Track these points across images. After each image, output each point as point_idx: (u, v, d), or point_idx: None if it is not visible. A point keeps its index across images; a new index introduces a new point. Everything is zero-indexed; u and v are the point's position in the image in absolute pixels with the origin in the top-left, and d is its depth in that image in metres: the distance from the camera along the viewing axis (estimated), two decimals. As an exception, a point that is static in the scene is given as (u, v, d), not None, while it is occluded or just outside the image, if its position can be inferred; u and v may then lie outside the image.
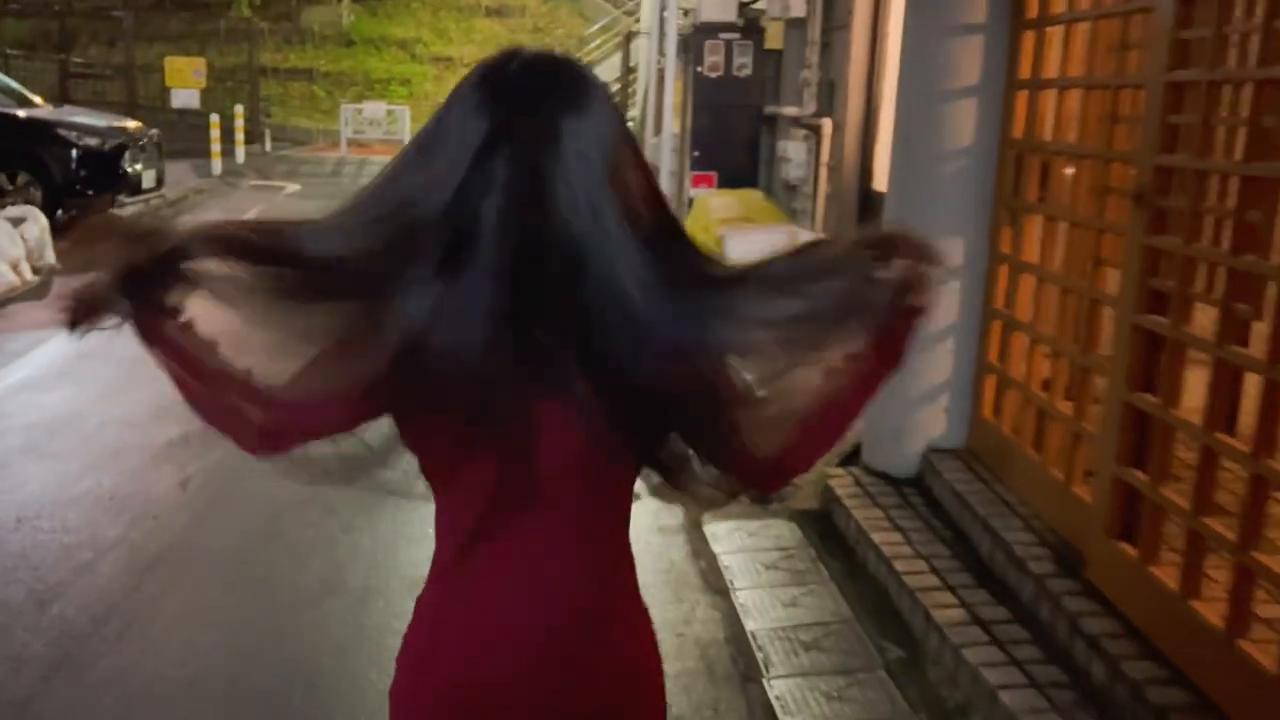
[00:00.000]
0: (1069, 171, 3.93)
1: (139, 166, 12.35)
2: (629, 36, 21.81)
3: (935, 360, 4.55)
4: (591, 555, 1.34)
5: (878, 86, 7.34)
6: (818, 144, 7.77)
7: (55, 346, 7.28)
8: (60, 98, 20.23)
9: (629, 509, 1.37)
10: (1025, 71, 4.22)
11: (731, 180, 9.08)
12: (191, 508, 4.70)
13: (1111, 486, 3.33)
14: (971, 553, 3.94)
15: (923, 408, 4.60)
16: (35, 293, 9.03)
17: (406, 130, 21.23)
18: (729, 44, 8.94)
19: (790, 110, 8.24)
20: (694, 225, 8.74)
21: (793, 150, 7.92)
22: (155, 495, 4.82)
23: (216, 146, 17.15)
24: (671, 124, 10.44)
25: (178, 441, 5.51)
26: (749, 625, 3.73)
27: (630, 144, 1.27)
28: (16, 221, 9.53)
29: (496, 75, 1.25)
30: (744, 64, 8.96)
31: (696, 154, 9.25)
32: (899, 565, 3.88)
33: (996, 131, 4.36)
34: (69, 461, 5.21)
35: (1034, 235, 4.18)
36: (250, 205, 14.30)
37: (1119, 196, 3.51)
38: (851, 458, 4.94)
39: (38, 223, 9.67)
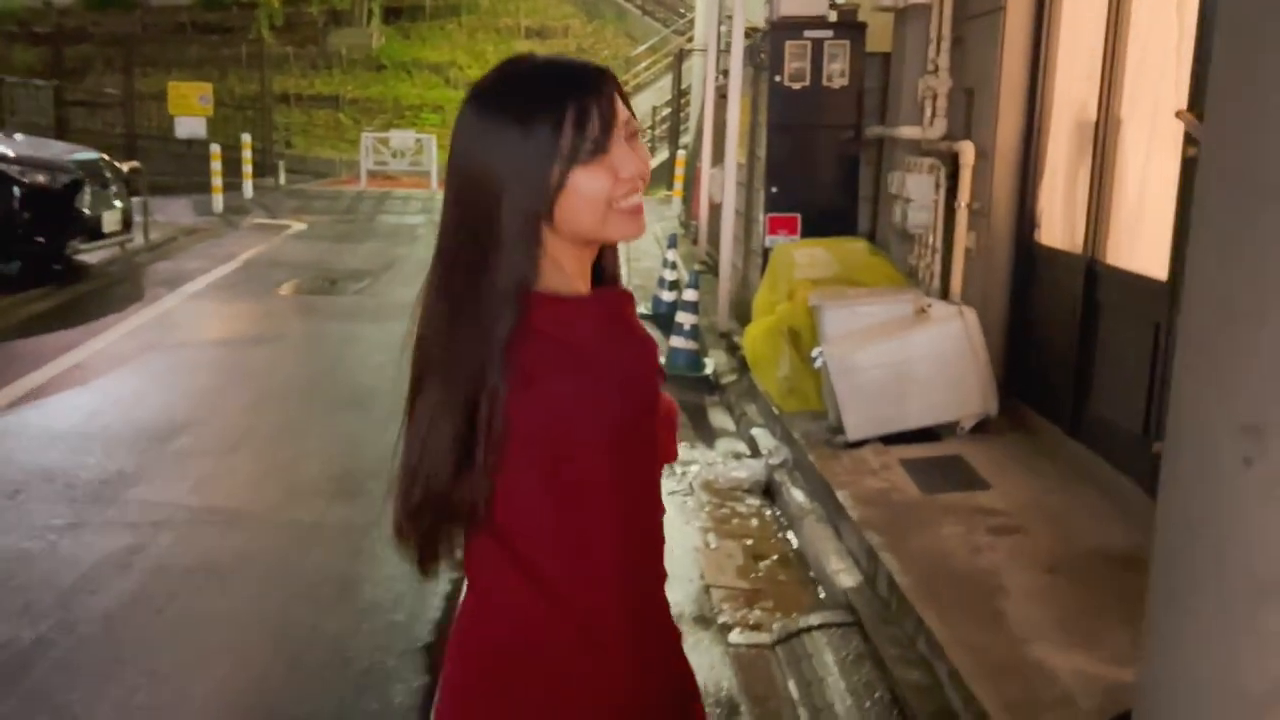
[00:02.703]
0: None
1: (114, 205, 10.42)
2: (680, 55, 19.78)
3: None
4: None
5: (1046, 94, 5.10)
6: (952, 178, 5.54)
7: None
8: (55, 129, 18.57)
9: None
10: None
11: (820, 225, 6.84)
12: None
13: None
14: None
15: None
16: (-72, 372, 7.02)
17: (434, 161, 19.26)
18: (818, 45, 6.74)
19: (907, 132, 6.02)
20: (771, 287, 6.51)
21: (913, 186, 5.71)
22: None
23: (217, 180, 15.25)
24: (735, 152, 8.27)
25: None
26: None
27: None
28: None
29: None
30: (839, 71, 6.75)
31: (774, 190, 7.03)
32: None
33: None
34: None
35: None
36: (242, 249, 12.30)
37: None
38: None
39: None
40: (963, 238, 5.41)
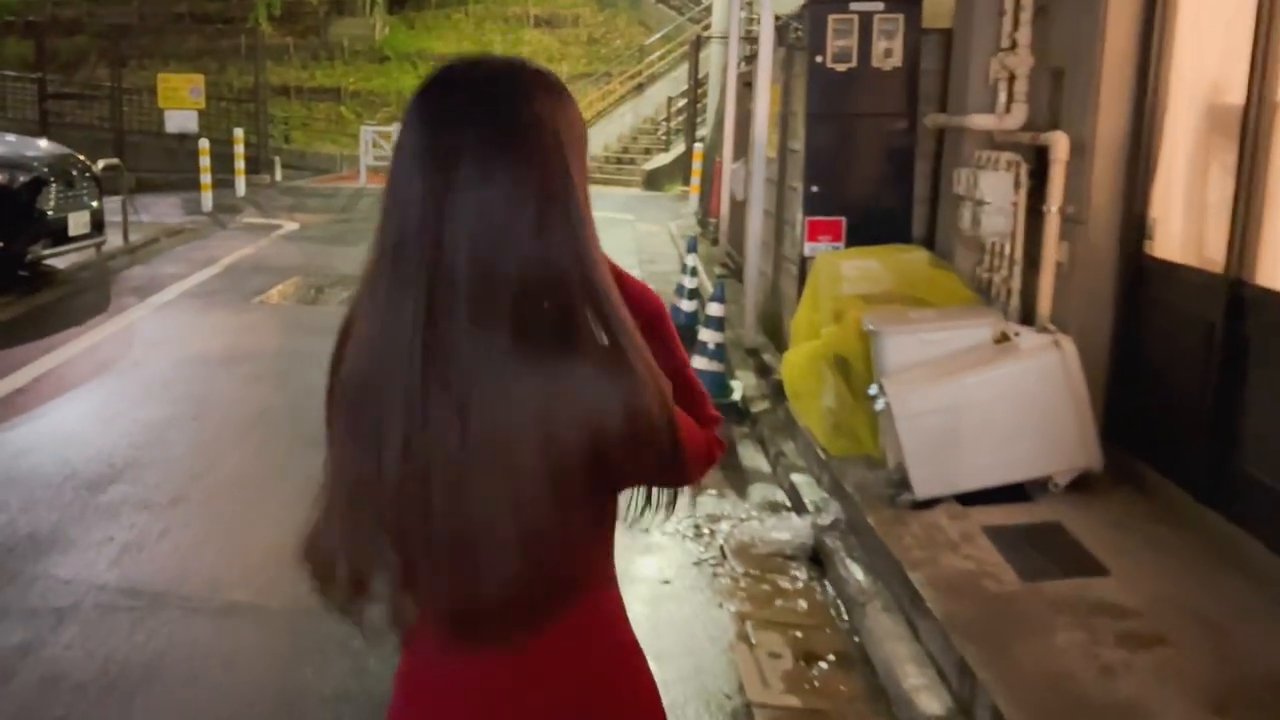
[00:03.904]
0: None
1: (83, 205, 9.53)
2: (697, 43, 18.80)
3: None
4: None
5: (1162, 73, 4.14)
6: (1035, 176, 4.59)
7: None
8: (39, 123, 17.74)
9: None
10: None
11: (868, 230, 5.87)
12: None
13: None
14: None
15: None
16: None
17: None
18: (866, 20, 5.77)
19: (978, 121, 5.06)
20: (814, 305, 5.55)
21: (987, 186, 4.75)
22: None
23: (206, 178, 14.36)
24: (765, 145, 7.31)
25: None
26: None
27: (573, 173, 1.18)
28: None
29: (428, 97, 1.19)
30: (890, 49, 5.80)
31: (814, 190, 6.08)
32: None
33: None
34: None
35: None
36: (225, 252, 11.40)
37: None
38: None
39: None
40: (1053, 249, 4.45)
